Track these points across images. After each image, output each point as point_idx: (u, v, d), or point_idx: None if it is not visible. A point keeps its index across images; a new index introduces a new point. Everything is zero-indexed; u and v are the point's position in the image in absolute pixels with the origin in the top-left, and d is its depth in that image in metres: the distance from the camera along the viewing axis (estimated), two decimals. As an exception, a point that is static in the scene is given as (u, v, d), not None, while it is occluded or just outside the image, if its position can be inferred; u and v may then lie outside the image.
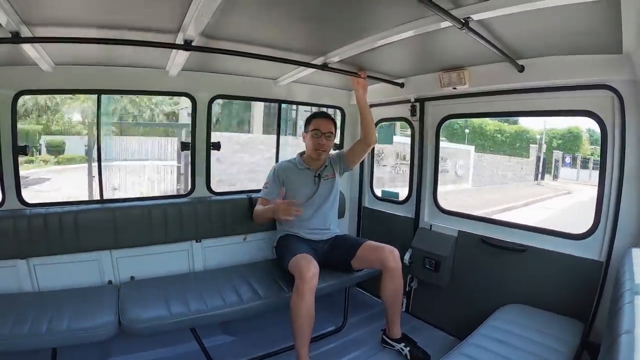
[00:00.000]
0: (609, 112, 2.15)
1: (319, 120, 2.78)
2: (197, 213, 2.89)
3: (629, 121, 2.06)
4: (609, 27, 1.71)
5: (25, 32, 1.83)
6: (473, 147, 16.60)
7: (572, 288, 2.28)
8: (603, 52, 2.01)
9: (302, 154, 2.91)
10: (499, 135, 19.31)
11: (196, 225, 2.88)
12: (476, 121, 18.57)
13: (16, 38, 1.81)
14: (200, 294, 2.42)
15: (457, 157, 14.60)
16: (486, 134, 19.29)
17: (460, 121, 17.01)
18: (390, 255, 2.56)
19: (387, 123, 3.80)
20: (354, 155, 2.91)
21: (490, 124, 19.60)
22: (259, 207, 2.77)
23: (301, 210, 2.49)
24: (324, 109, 3.70)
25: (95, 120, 2.95)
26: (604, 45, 1.94)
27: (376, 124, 3.56)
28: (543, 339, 1.97)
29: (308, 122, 2.82)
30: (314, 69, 2.60)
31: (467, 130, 18.59)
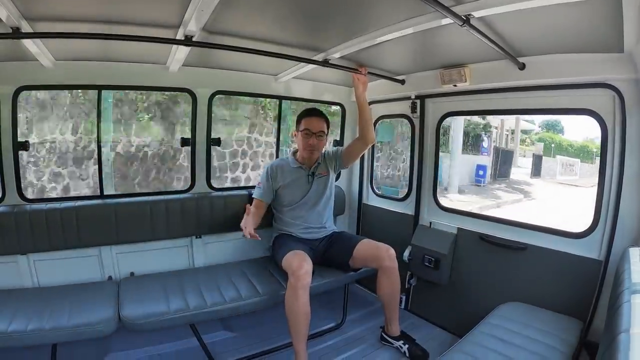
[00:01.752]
0: (610, 111, 2.14)
1: (310, 119, 2.73)
2: (198, 209, 2.89)
3: (629, 120, 2.06)
4: (611, 26, 1.70)
5: (25, 27, 1.83)
6: (579, 159, 24.18)
7: (571, 286, 2.29)
8: (604, 50, 2.00)
9: (295, 152, 2.88)
10: (570, 148, 26.00)
11: (196, 221, 2.89)
12: (556, 138, 25.73)
13: (17, 33, 1.80)
14: (199, 290, 2.43)
15: (575, 165, 23.41)
16: (563, 148, 25.93)
17: (549, 140, 25.08)
18: (386, 254, 2.56)
19: (388, 121, 3.79)
20: (351, 153, 2.86)
21: (564, 140, 26.62)
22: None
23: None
24: (324, 106, 3.69)
25: (97, 117, 2.94)
26: (605, 43, 1.93)
27: (376, 121, 3.56)
28: (542, 337, 1.97)
29: (299, 120, 2.79)
30: (315, 65, 2.59)
31: (552, 145, 25.58)
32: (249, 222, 2.44)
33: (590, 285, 2.20)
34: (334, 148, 3.02)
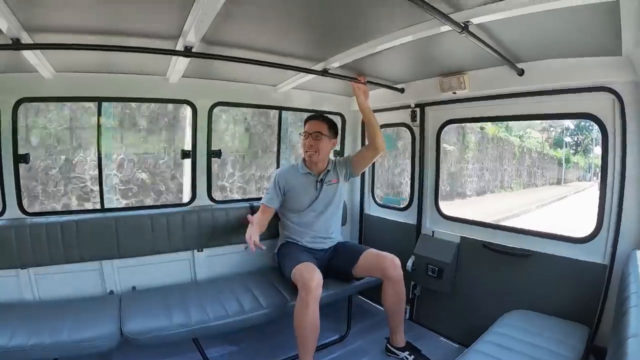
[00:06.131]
0: (610, 115, 2.15)
1: (309, 122, 2.79)
2: (199, 222, 2.87)
3: (629, 123, 2.06)
4: (609, 29, 1.71)
5: (26, 38, 1.84)
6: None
7: (576, 292, 2.26)
8: (603, 54, 2.01)
9: (305, 159, 2.88)
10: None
11: (198, 234, 2.87)
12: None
13: (17, 44, 1.81)
14: (202, 304, 2.40)
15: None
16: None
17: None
18: (391, 264, 2.53)
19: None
20: (362, 161, 2.86)
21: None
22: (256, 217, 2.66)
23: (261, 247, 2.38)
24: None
25: (97, 129, 2.96)
26: (603, 47, 1.94)
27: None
28: (548, 344, 1.94)
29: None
30: (314, 75, 2.60)
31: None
32: (253, 232, 2.42)
33: (595, 289, 2.18)
34: (344, 156, 3.02)
